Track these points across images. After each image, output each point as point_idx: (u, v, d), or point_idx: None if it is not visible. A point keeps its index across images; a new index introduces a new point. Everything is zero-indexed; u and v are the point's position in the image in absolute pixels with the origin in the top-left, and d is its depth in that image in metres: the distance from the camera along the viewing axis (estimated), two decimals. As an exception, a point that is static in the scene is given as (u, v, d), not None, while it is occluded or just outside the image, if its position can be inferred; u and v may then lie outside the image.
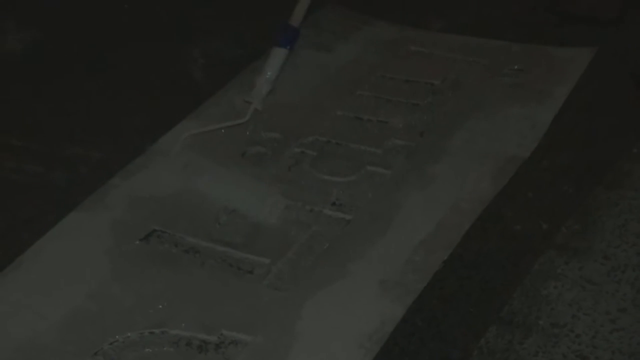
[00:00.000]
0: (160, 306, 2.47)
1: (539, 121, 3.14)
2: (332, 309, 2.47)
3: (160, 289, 2.53)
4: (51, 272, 2.59)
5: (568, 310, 2.47)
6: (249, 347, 2.35)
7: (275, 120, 3.17)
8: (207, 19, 3.73)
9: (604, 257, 2.64)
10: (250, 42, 3.52)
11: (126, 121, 3.20)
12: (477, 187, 2.88)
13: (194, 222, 2.76)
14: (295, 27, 3.36)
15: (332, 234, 2.73)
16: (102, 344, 2.36)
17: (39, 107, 3.28)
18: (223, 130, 3.12)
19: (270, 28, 3.38)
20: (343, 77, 3.42)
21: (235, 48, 3.55)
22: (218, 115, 3.20)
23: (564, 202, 2.85)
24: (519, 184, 2.91)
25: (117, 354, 2.34)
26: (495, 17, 3.74)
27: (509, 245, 2.70)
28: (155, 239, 2.71)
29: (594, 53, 3.47)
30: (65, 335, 2.39)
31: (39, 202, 2.85)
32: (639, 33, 3.43)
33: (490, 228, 2.75)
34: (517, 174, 2.93)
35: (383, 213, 2.80)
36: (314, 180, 2.94)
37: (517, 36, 3.61)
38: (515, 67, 3.44)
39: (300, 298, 2.49)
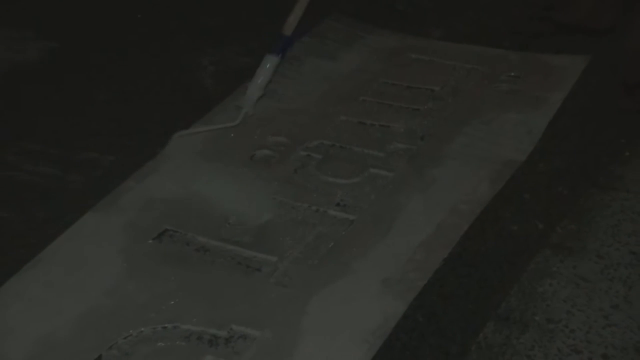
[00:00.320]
0: (172, 302, 2.47)
1: (534, 126, 3.15)
2: (336, 305, 2.47)
3: (172, 286, 2.53)
4: (68, 270, 2.60)
5: (563, 306, 2.48)
6: (257, 341, 2.35)
7: (282, 125, 3.18)
8: (216, 29, 3.73)
9: (598, 255, 2.65)
10: (257, 51, 3.51)
11: (138, 126, 3.21)
12: (476, 189, 2.89)
13: (204, 222, 2.76)
14: (287, 36, 3.34)
15: (336, 234, 2.73)
16: (117, 338, 2.36)
17: (55, 113, 3.28)
18: (232, 135, 3.13)
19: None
20: (347, 84, 3.43)
21: (243, 57, 3.55)
22: (225, 120, 3.21)
23: (559, 203, 2.86)
24: (516, 186, 2.92)
25: (131, 347, 2.34)
26: (493, 26, 3.75)
27: (506, 245, 2.71)
28: (167, 238, 2.71)
29: (588, 61, 3.48)
30: (81, 330, 2.39)
31: (56, 203, 2.86)
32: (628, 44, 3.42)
33: (488, 228, 2.76)
34: (513, 177, 2.94)
35: (385, 214, 2.80)
36: (319, 182, 2.94)
37: (513, 44, 3.62)
38: (512, 74, 3.45)
39: (306, 295, 2.50)
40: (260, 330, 2.39)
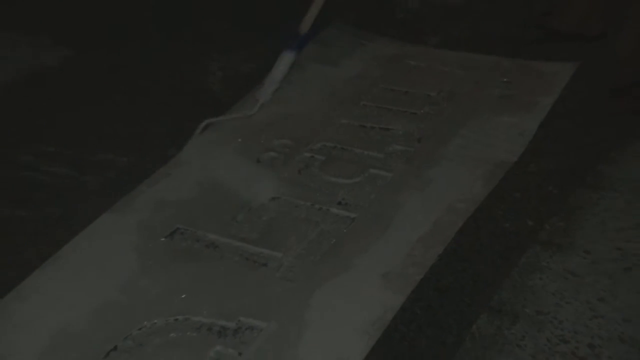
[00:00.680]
0: (183, 296, 2.50)
1: (526, 129, 3.17)
2: (338, 298, 2.49)
3: (183, 280, 2.56)
4: (85, 266, 2.62)
5: (552, 299, 2.50)
6: (263, 332, 2.38)
7: (286, 129, 3.20)
8: (225, 37, 3.74)
9: (585, 251, 2.66)
10: (264, 57, 3.53)
11: (151, 130, 3.23)
12: (470, 188, 2.91)
13: (213, 220, 2.79)
14: (302, 34, 3.38)
15: (338, 231, 2.75)
16: (131, 330, 2.39)
17: (72, 117, 3.30)
18: (240, 140, 3.15)
19: (282, 44, 3.41)
20: (348, 89, 3.45)
21: (249, 62, 3.57)
22: (235, 126, 3.24)
23: (549, 202, 2.87)
24: (508, 185, 2.94)
25: (145, 338, 2.37)
26: (487, 34, 3.75)
27: (498, 241, 2.72)
28: (178, 236, 2.74)
29: (577, 67, 3.49)
30: (98, 323, 2.42)
31: (71, 202, 2.88)
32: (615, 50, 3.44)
33: (481, 226, 2.78)
34: (506, 177, 2.96)
35: (385, 212, 2.82)
36: (322, 182, 2.96)
37: (506, 51, 3.62)
38: (505, 79, 3.47)
39: (310, 288, 2.52)
40: (267, 321, 2.41)
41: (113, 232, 2.76)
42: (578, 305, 2.48)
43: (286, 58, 3.36)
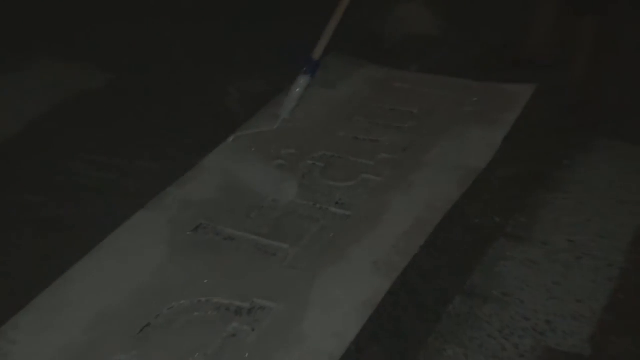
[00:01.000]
0: (206, 281, 2.48)
1: (493, 140, 3.14)
2: (336, 283, 2.47)
3: (206, 267, 2.54)
4: (123, 255, 2.61)
5: (515, 283, 2.49)
6: (273, 311, 2.37)
7: (292, 140, 3.17)
8: (241, 63, 3.73)
9: (543, 243, 2.65)
10: (275, 81, 3.52)
11: (179, 141, 3.21)
12: (446, 190, 2.88)
13: (231, 217, 2.76)
14: (316, 60, 3.35)
15: (336, 226, 2.72)
16: (162, 309, 2.37)
17: (115, 132, 3.28)
18: (253, 149, 3.12)
19: (292, 70, 3.38)
20: (344, 107, 3.42)
21: (263, 86, 3.55)
22: (249, 137, 3.20)
23: (512, 201, 2.85)
24: (478, 188, 2.91)
25: (173, 316, 2.35)
26: (459, 61, 3.74)
27: (470, 235, 2.70)
28: (201, 230, 2.71)
29: (535, 89, 3.47)
30: (133, 303, 2.41)
31: (113, 202, 2.86)
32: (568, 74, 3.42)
33: (456, 221, 2.75)
34: (476, 181, 2.93)
35: (375, 210, 2.79)
36: (322, 185, 2.93)
37: (476, 75, 3.60)
38: (475, 99, 3.43)
39: (312, 275, 2.50)
40: (276, 302, 2.39)
41: (147, 227, 2.73)
42: (537, 288, 2.47)
43: (303, 80, 3.33)
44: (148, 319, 2.35)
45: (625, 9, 3.57)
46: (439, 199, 2.83)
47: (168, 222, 2.75)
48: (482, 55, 3.76)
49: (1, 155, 3.12)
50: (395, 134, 3.21)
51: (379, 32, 4.02)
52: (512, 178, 2.96)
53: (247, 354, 2.24)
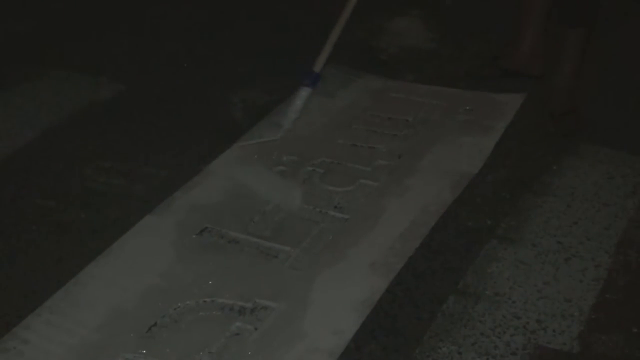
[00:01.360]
0: (210, 282, 2.46)
1: (484, 147, 3.12)
2: (335, 283, 2.46)
3: (211, 269, 2.51)
4: (132, 257, 2.58)
5: (506, 283, 2.47)
6: (275, 311, 2.34)
7: (294, 148, 3.14)
8: (245, 75, 3.71)
9: (532, 244, 2.63)
10: (277, 92, 3.50)
11: (186, 148, 3.18)
12: (440, 194, 2.86)
13: (235, 221, 2.73)
14: (317, 72, 3.32)
15: (335, 229, 2.70)
16: (168, 309, 2.35)
17: (123, 140, 3.26)
18: (256, 156, 3.10)
19: (294, 82, 3.36)
20: (343, 116, 3.39)
21: (266, 96, 3.53)
22: (253, 145, 3.17)
23: (503, 205, 2.83)
24: (470, 192, 2.89)
25: (179, 316, 2.33)
26: (452, 72, 3.72)
27: (463, 237, 2.69)
28: (207, 233, 2.68)
29: (524, 98, 3.45)
30: (142, 303, 2.39)
31: (123, 207, 2.83)
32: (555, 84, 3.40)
33: (449, 224, 2.73)
34: (469, 185, 2.91)
35: (372, 214, 2.77)
36: (321, 190, 2.91)
37: (468, 85, 3.59)
38: (467, 108, 3.41)
39: (312, 275, 2.48)
40: (278, 302, 2.37)
41: (154, 230, 2.71)
42: (528, 288, 2.46)
43: (304, 92, 3.29)
44: (155, 318, 2.32)
45: (612, 21, 3.56)
46: (433, 203, 2.81)
47: (175, 226, 2.72)
48: (474, 66, 3.75)
49: (16, 163, 3.11)
50: (391, 141, 3.19)
51: (376, 45, 4.01)
52: (503, 183, 2.95)
53: (250, 352, 2.22)
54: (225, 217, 2.76)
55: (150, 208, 2.81)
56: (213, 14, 4.32)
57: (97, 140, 3.25)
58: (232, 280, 2.46)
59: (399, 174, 2.99)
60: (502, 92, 3.51)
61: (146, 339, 2.26)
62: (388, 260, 2.54)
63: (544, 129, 3.26)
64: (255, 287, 2.43)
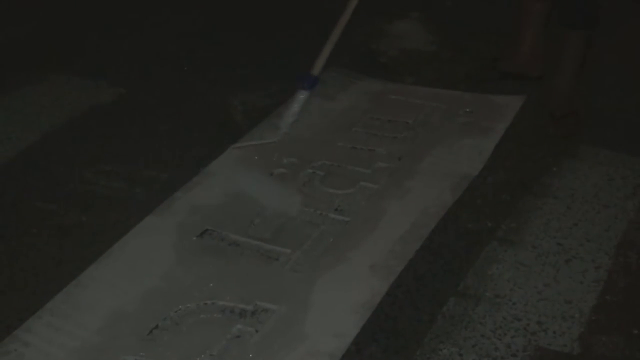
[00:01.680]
0: (211, 284, 2.45)
1: (484, 149, 3.12)
2: (335, 285, 2.45)
3: (211, 271, 2.51)
4: (132, 259, 2.58)
5: (507, 285, 2.47)
6: (276, 313, 2.34)
7: (294, 150, 3.14)
8: (245, 78, 3.72)
9: (533, 246, 2.63)
10: (277, 95, 3.50)
11: (186, 150, 3.18)
12: (440, 196, 2.86)
13: (236, 223, 2.73)
14: (315, 76, 3.31)
15: (335, 232, 2.70)
16: (169, 311, 2.35)
17: (123, 142, 3.26)
18: (256, 157, 3.10)
19: (294, 85, 3.35)
20: (343, 118, 3.39)
21: (265, 99, 3.53)
22: (253, 146, 3.17)
23: (503, 207, 2.83)
24: (470, 194, 2.89)
25: (180, 319, 2.33)
26: (452, 75, 3.72)
27: (463, 239, 2.68)
28: (207, 235, 2.68)
29: (524, 100, 3.45)
30: (143, 305, 2.38)
31: (123, 209, 2.83)
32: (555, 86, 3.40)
33: (450, 226, 2.73)
34: (469, 187, 2.91)
35: (372, 216, 2.77)
36: (322, 192, 2.90)
37: (468, 87, 3.59)
38: (467, 110, 3.41)
39: (313, 278, 2.48)
40: (278, 304, 2.37)
41: (155, 232, 2.71)
42: (528, 289, 2.45)
43: (302, 96, 3.29)
44: (156, 321, 2.32)
45: (612, 21, 3.56)
46: (434, 205, 2.81)
47: (175, 228, 2.72)
48: (474, 68, 3.76)
49: (17, 166, 3.11)
50: (391, 143, 3.19)
51: (376, 48, 4.01)
52: (503, 184, 2.94)
53: (251, 355, 2.21)
54: (225, 220, 2.75)
55: (150, 210, 2.81)
56: (213, 17, 4.33)
57: (97, 144, 3.25)
58: (232, 283, 2.46)
59: (399, 176, 2.98)
60: (502, 94, 3.51)
61: (147, 342, 2.25)
62: (388, 262, 2.54)
63: (544, 131, 3.25)
64: (256, 290, 2.43)
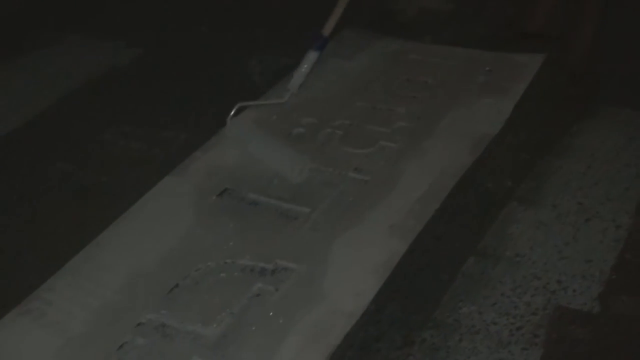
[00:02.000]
0: (231, 243, 2.46)
1: (503, 108, 3.09)
2: (355, 245, 2.45)
3: (231, 231, 2.52)
4: (152, 220, 2.59)
5: (526, 244, 2.45)
6: (295, 272, 2.35)
7: (312, 110, 3.13)
8: (262, 39, 3.70)
9: (553, 205, 2.60)
10: (294, 54, 3.46)
11: (204, 111, 3.18)
12: (459, 156, 2.83)
13: (255, 183, 2.73)
14: (325, 36, 3.29)
15: (354, 191, 2.69)
16: (190, 271, 2.36)
17: (142, 103, 3.26)
18: (275, 117, 3.09)
19: (307, 45, 3.34)
20: (361, 78, 3.37)
21: (282, 58, 3.51)
22: (272, 106, 3.17)
23: (523, 166, 2.81)
24: (490, 153, 2.86)
25: (201, 277, 2.34)
26: (471, 33, 3.68)
27: (482, 199, 2.66)
28: (227, 195, 2.69)
29: (544, 59, 3.41)
30: (163, 265, 2.39)
31: (143, 170, 2.84)
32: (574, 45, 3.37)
33: (469, 186, 2.71)
34: (488, 147, 2.89)
35: (391, 176, 2.76)
36: (341, 152, 2.89)
37: (487, 46, 3.54)
38: (487, 69, 3.37)
39: (332, 237, 2.48)
40: (298, 263, 2.37)
41: (174, 192, 2.72)
42: (548, 249, 2.43)
43: (311, 56, 3.28)
44: (177, 280, 2.33)
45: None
46: (452, 165, 2.79)
47: (194, 188, 2.72)
48: (493, 27, 3.71)
49: (36, 127, 3.12)
50: (410, 103, 3.16)
51: (394, 7, 3.97)
52: (522, 144, 2.91)
53: (271, 313, 2.22)
54: (244, 179, 2.75)
55: (169, 170, 2.81)
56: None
57: (115, 105, 3.26)
58: (252, 242, 2.46)
59: (418, 135, 2.97)
60: (521, 53, 3.47)
61: (168, 300, 2.27)
62: (407, 222, 2.53)
63: (564, 90, 3.22)
64: (276, 249, 2.43)
